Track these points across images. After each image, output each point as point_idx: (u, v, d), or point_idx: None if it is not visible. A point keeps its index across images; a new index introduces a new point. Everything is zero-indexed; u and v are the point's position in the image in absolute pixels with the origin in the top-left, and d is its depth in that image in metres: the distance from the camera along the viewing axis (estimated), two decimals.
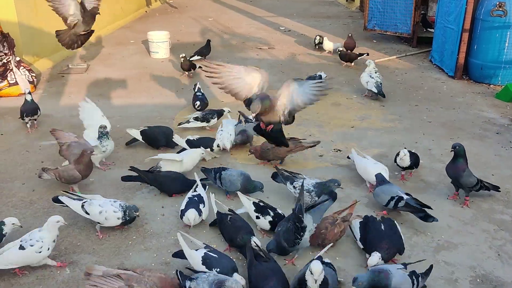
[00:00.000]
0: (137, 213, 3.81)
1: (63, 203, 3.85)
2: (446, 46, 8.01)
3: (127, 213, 3.75)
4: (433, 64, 8.53)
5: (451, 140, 5.57)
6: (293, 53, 9.37)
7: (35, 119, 5.72)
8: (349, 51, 8.46)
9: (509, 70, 7.25)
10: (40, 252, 3.33)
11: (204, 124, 5.71)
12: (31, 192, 4.44)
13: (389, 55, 9.14)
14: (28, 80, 6.99)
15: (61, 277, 3.36)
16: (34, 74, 7.18)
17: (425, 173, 4.81)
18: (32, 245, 3.32)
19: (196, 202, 3.87)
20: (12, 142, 5.43)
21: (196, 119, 5.73)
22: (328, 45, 9.24)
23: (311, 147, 4.93)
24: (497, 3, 7.07)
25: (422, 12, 9.85)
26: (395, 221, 3.66)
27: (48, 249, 3.37)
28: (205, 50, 8.76)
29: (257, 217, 3.82)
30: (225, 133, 5.09)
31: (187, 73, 7.83)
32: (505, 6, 7.02)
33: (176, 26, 11.67)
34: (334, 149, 5.32)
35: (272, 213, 3.79)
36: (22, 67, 7.00)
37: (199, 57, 8.71)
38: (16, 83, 6.85)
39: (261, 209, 3.84)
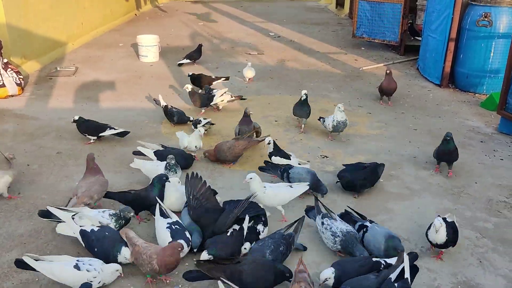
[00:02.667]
0: (131, 214, 3.78)
1: (50, 217, 3.71)
2: (432, 55, 8.11)
3: (119, 221, 3.71)
4: (420, 72, 8.63)
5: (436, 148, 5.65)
6: (282, 59, 9.43)
7: None
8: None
9: (494, 79, 7.36)
10: (91, 282, 3.15)
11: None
12: (16, 195, 4.41)
13: (376, 63, 9.23)
14: (16, 82, 6.95)
15: (45, 281, 3.35)
16: (21, 76, 7.13)
17: (410, 181, 4.87)
18: (88, 270, 3.17)
19: (181, 232, 3.58)
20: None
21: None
22: (249, 72, 7.92)
23: (261, 141, 5.13)
24: (483, 13, 7.19)
25: (410, 21, 9.97)
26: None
27: (99, 282, 3.22)
28: (195, 54, 8.79)
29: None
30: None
31: (92, 139, 5.52)
32: (491, 16, 7.14)
33: (166, 30, 11.68)
34: (321, 156, 5.37)
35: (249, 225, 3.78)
36: (9, 69, 6.95)
37: (188, 61, 8.75)
38: (3, 85, 6.80)
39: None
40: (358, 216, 3.93)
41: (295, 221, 3.76)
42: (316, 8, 15.94)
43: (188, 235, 3.59)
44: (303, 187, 4.19)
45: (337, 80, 8.17)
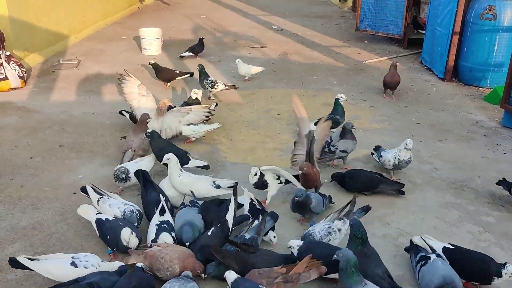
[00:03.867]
0: (136, 223, 3.70)
1: (87, 194, 3.88)
2: (436, 48, 8.08)
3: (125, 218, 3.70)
4: (424, 66, 8.60)
5: (439, 141, 5.65)
6: (285, 52, 9.40)
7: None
8: None
9: (498, 73, 7.33)
10: None
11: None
12: (19, 188, 4.43)
13: (380, 56, 9.20)
14: (18, 75, 6.95)
15: None
16: (24, 69, 7.13)
17: (412, 174, 4.86)
18: (86, 267, 3.12)
19: (167, 230, 3.54)
20: (1, 138, 5.41)
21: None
22: (245, 69, 7.51)
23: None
24: (487, 6, 7.14)
25: (414, 15, 9.91)
26: None
27: None
28: (197, 48, 8.77)
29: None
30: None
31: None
32: (495, 9, 7.09)
33: (168, 23, 11.64)
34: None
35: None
36: (12, 62, 6.95)
37: (190, 54, 8.73)
38: (6, 78, 6.80)
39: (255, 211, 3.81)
40: (430, 247, 3.41)
41: (258, 220, 3.64)
42: (319, 1, 15.84)
43: (172, 234, 3.52)
44: (226, 188, 4.06)
45: (340, 74, 8.15)
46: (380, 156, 4.79)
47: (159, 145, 4.49)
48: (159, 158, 4.36)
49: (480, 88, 7.54)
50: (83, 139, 5.46)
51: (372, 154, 4.98)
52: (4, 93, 6.76)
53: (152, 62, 7.25)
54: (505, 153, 5.40)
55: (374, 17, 9.82)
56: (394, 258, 3.61)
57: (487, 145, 5.59)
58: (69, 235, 3.78)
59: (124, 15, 12.41)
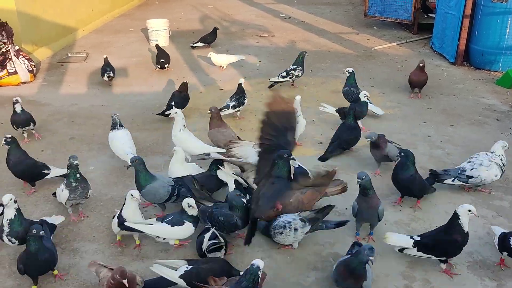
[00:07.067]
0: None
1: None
2: (446, 32, 7.96)
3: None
4: (434, 51, 8.49)
5: (450, 126, 5.58)
6: (293, 40, 9.33)
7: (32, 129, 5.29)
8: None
9: (510, 56, 7.21)
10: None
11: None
12: None
13: (389, 42, 9.09)
14: (28, 69, 6.98)
15: (61, 264, 3.39)
16: (33, 63, 7.17)
17: (424, 160, 4.81)
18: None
19: None
20: (12, 132, 5.43)
21: (234, 107, 5.70)
22: (219, 59, 7.56)
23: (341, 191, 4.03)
24: None
25: None
26: None
27: None
28: (209, 38, 8.74)
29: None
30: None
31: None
32: None
33: (176, 13, 11.61)
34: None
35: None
36: (21, 56, 6.99)
37: (202, 44, 8.69)
38: (15, 72, 6.84)
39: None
40: None
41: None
42: None
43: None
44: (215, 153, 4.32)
45: (348, 60, 8.07)
46: (470, 177, 4.11)
47: (17, 155, 4.23)
48: (12, 166, 4.22)
49: (492, 72, 7.42)
50: (93, 131, 5.48)
51: (439, 179, 4.22)
52: (14, 87, 6.80)
53: (157, 42, 7.73)
54: None
55: (383, 3, 9.68)
56: None
57: (499, 129, 5.51)
58: (81, 226, 3.80)
59: (131, 7, 12.41)
